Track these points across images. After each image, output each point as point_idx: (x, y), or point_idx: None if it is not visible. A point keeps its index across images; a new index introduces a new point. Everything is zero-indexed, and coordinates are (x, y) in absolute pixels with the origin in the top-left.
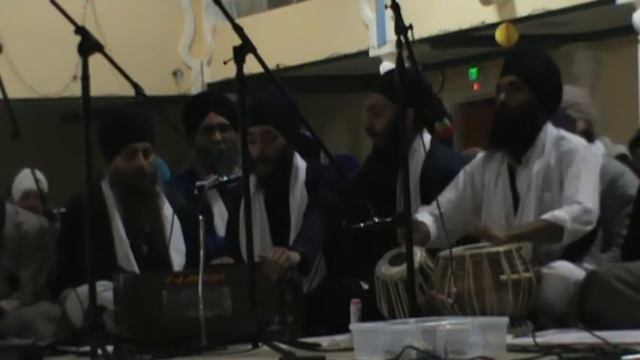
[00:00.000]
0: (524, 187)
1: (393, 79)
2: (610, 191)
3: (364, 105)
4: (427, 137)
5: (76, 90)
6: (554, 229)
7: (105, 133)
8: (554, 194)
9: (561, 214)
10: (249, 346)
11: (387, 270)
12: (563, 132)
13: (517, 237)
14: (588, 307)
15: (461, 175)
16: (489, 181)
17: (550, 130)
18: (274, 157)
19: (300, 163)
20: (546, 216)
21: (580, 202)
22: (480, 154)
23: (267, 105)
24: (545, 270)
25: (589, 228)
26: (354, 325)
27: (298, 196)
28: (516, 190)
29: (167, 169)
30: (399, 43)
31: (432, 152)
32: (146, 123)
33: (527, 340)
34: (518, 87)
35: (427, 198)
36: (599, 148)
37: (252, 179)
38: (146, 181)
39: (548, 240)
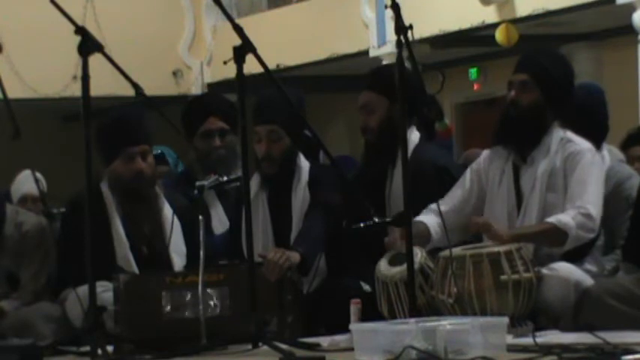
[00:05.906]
0: (529, 187)
1: (379, 74)
2: (616, 193)
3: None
4: (415, 134)
5: (76, 90)
6: (559, 234)
7: (102, 136)
8: (558, 195)
9: (567, 219)
10: (249, 346)
11: (387, 270)
12: (569, 134)
13: (520, 237)
14: (583, 323)
15: (467, 173)
16: (494, 179)
17: (556, 131)
18: (279, 157)
19: (304, 163)
20: (551, 219)
21: (585, 208)
22: (486, 151)
23: (274, 104)
24: (545, 271)
25: (591, 235)
26: (354, 325)
27: (300, 197)
28: (520, 189)
29: (173, 153)
30: (399, 43)
31: (418, 148)
32: (143, 126)
33: (527, 340)
34: (529, 86)
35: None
36: (604, 154)
37: (256, 178)
38: (145, 185)
39: (551, 244)
